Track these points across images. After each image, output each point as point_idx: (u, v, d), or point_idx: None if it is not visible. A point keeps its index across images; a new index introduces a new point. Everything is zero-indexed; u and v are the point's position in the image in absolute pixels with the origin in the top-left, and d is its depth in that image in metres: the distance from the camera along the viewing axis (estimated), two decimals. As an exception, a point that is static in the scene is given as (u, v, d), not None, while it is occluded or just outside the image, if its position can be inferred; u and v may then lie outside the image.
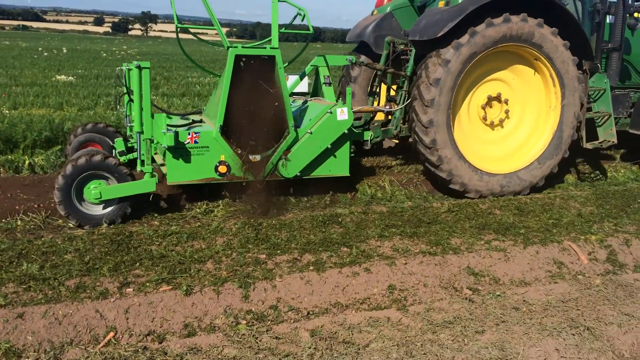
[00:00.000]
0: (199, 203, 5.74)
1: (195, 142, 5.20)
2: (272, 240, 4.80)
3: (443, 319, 3.86)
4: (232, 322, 3.76)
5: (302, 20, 5.98)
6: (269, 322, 3.80)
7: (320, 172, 5.83)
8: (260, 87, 5.27)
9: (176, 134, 5.05)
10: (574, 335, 3.67)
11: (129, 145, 6.36)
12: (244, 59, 5.22)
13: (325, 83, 6.36)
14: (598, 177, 7.86)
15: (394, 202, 6.28)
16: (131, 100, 5.50)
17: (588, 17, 7.29)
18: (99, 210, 5.07)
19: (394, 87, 7.19)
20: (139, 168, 5.26)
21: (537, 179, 6.62)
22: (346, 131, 5.75)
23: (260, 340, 3.49)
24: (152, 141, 5.13)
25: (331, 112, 5.67)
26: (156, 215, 5.44)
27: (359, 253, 4.63)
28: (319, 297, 4.12)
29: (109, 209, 5.09)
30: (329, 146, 5.71)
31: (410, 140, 6.64)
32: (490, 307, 4.06)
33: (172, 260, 4.31)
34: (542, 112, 6.66)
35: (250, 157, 5.39)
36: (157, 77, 18.69)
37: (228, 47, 5.18)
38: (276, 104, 5.36)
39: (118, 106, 7.19)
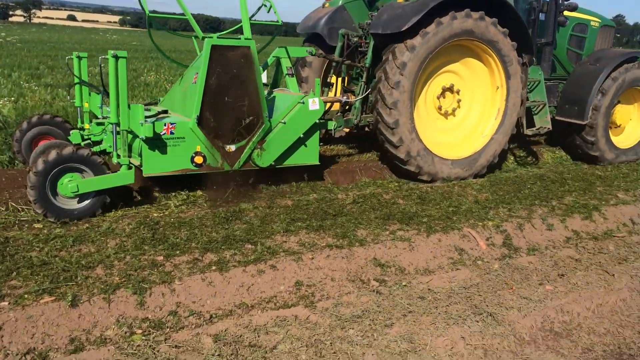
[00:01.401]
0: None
1: (172, 132, 5.16)
2: (170, 240, 4.48)
3: (351, 313, 3.78)
4: (125, 333, 3.43)
5: (269, 12, 6.13)
6: (168, 330, 3.51)
7: (293, 161, 5.98)
8: (236, 78, 5.32)
9: (153, 124, 4.94)
10: (477, 321, 3.73)
11: (86, 137, 6.16)
12: (219, 49, 5.19)
13: (288, 74, 6.50)
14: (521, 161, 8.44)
15: (299, 195, 6.14)
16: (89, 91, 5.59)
17: (524, 14, 7.79)
18: (75, 204, 4.94)
19: (349, 77, 7.47)
20: (114, 160, 5.14)
21: (482, 166, 7.17)
22: (317, 121, 5.93)
23: (157, 351, 3.21)
24: (129, 132, 5.00)
25: (303, 102, 5.80)
26: (40, 219, 4.91)
27: (264, 250, 4.44)
28: (222, 299, 3.88)
29: (86, 202, 4.97)
30: (301, 135, 5.86)
31: (370, 121, 6.91)
32: (397, 298, 4.04)
33: (56, 268, 3.87)
34: (489, 102, 7.15)
35: (226, 147, 5.43)
36: (40, 66, 17.26)
37: (203, 38, 5.17)
38: (251, 94, 5.42)
39: (69, 97, 7.00)
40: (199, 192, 5.91)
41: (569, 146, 8.79)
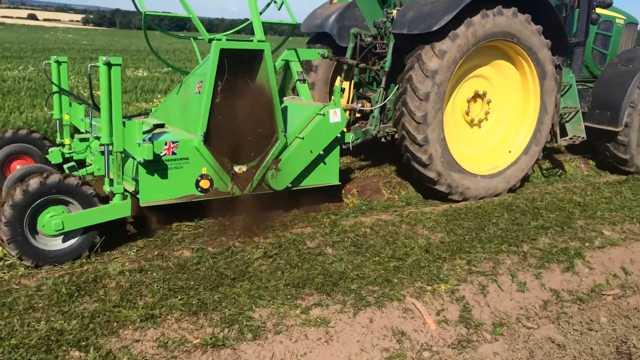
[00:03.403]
0: None
1: (173, 153, 4.43)
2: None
3: None
4: None
5: (280, 9, 5.47)
6: None
7: (311, 181, 5.22)
8: (248, 86, 4.68)
9: (152, 144, 4.20)
10: None
11: (67, 155, 5.47)
12: (229, 54, 4.47)
13: (299, 80, 5.80)
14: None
15: (198, 244, 4.65)
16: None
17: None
18: (58, 244, 4.11)
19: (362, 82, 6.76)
20: (106, 188, 4.30)
21: (515, 179, 6.39)
22: (339, 135, 5.18)
23: None
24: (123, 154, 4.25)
25: (323, 114, 5.06)
26: None
27: (99, 360, 2.94)
28: None
29: (72, 241, 4.15)
30: (321, 152, 5.12)
31: (394, 136, 6.18)
32: None
33: None
34: (520, 109, 6.43)
35: (235, 168, 4.71)
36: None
37: (210, 40, 4.52)
38: (265, 105, 4.72)
39: (46, 108, 6.39)
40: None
41: (594, 150, 7.98)
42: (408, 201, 6.30)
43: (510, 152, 6.38)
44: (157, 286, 3.76)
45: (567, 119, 7.16)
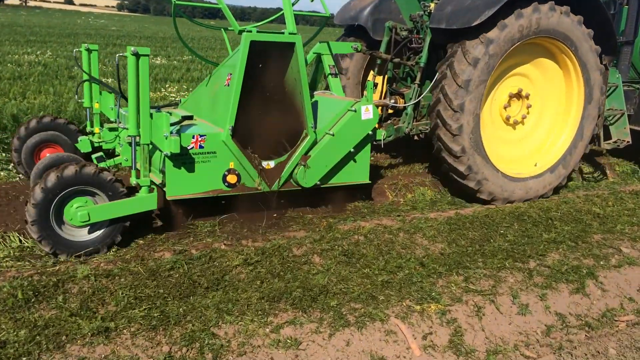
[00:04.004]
0: None
1: (201, 146, 4.36)
2: None
3: None
4: None
5: (312, 1, 5.39)
6: None
7: (340, 179, 5.12)
8: (279, 80, 4.59)
9: (180, 137, 4.13)
10: None
11: (97, 144, 5.51)
12: (260, 46, 4.36)
13: (331, 74, 5.67)
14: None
15: (182, 245, 4.40)
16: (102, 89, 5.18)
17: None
18: (83, 235, 4.09)
19: (396, 77, 6.55)
20: (133, 180, 4.28)
21: (560, 179, 6.21)
22: (370, 132, 5.06)
23: None
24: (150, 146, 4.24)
25: (355, 110, 4.93)
26: None
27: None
28: None
29: (97, 233, 4.13)
30: (352, 150, 5.00)
31: (422, 129, 6.01)
32: None
33: None
34: (563, 109, 6.20)
35: (263, 163, 4.65)
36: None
37: (240, 32, 4.46)
38: (295, 99, 4.64)
39: (76, 96, 6.21)
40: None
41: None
42: (414, 205, 5.94)
43: (550, 154, 6.12)
44: (122, 294, 3.50)
45: (612, 122, 6.82)
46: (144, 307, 3.38)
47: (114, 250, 4.24)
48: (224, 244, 4.47)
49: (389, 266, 4.22)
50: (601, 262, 4.63)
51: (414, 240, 4.76)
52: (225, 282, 3.79)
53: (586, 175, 7.37)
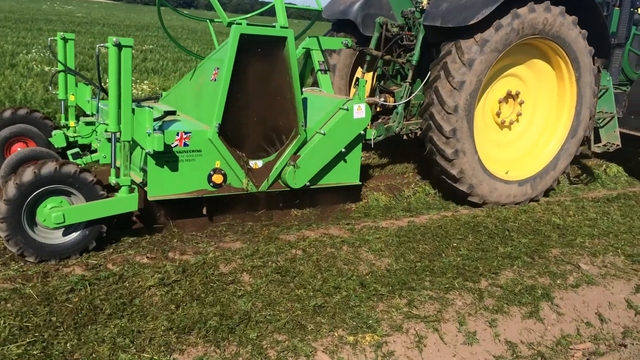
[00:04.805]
0: None
1: (185, 144, 4.20)
2: None
3: None
4: None
5: None
6: None
7: (329, 180, 5.02)
8: (268, 75, 4.45)
9: (163, 135, 3.98)
10: None
11: (72, 139, 5.27)
12: (250, 40, 4.23)
13: (320, 70, 5.52)
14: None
15: (100, 259, 3.91)
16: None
17: None
18: (59, 238, 3.90)
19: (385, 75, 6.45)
20: (112, 180, 4.03)
21: (549, 183, 6.18)
22: (362, 132, 4.98)
23: None
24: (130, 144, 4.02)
25: (347, 109, 4.82)
26: None
27: None
28: None
29: (74, 234, 3.93)
30: (343, 150, 4.91)
31: (417, 133, 5.95)
32: None
33: None
34: (555, 111, 6.14)
35: (251, 163, 4.51)
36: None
37: (229, 24, 4.39)
38: (286, 96, 4.51)
39: (50, 87, 6.03)
40: None
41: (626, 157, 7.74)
42: (366, 212, 5.54)
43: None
44: (3, 323, 2.98)
45: (602, 125, 6.81)
46: (26, 340, 2.88)
47: (19, 263, 3.73)
48: (147, 257, 4.02)
49: (325, 287, 3.80)
50: (558, 281, 4.31)
51: (358, 254, 4.37)
52: (133, 307, 3.33)
53: (574, 179, 7.28)
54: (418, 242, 4.73)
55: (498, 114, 5.87)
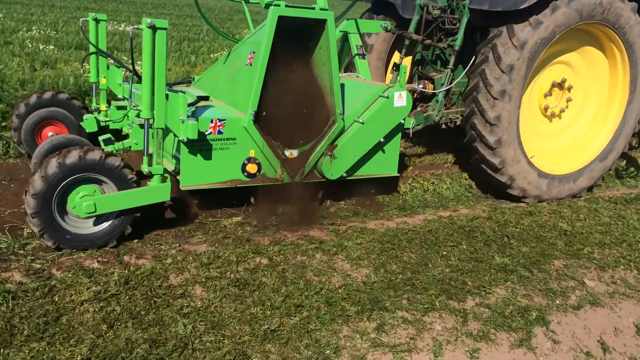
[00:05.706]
0: None
1: (219, 132, 4.06)
2: None
3: None
4: None
5: None
6: None
7: (367, 171, 4.84)
8: (307, 60, 4.35)
9: (198, 122, 3.84)
10: None
11: (103, 123, 5.19)
12: (288, 22, 4.03)
13: (358, 54, 5.36)
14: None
15: (46, 263, 3.55)
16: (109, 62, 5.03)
17: None
18: (88, 228, 3.78)
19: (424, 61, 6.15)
20: (145, 168, 3.92)
21: (596, 178, 5.91)
22: (402, 121, 4.81)
23: None
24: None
25: (387, 97, 4.64)
26: None
27: None
28: None
29: (104, 225, 3.82)
30: (382, 139, 4.73)
31: (457, 122, 5.88)
32: None
33: None
34: (605, 102, 5.88)
35: (286, 152, 4.35)
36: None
37: (267, 5, 4.10)
38: (324, 83, 4.35)
39: (82, 70, 6.00)
40: None
41: None
42: (356, 210, 5.04)
43: (586, 152, 5.83)
44: None
45: None
46: None
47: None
48: (98, 261, 3.62)
49: (286, 304, 3.35)
50: (557, 301, 3.78)
51: (332, 264, 3.91)
52: (58, 326, 2.92)
53: (621, 173, 6.89)
54: (403, 249, 4.25)
55: (545, 105, 5.58)
